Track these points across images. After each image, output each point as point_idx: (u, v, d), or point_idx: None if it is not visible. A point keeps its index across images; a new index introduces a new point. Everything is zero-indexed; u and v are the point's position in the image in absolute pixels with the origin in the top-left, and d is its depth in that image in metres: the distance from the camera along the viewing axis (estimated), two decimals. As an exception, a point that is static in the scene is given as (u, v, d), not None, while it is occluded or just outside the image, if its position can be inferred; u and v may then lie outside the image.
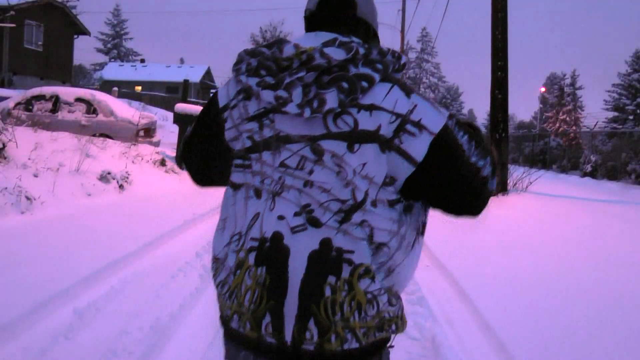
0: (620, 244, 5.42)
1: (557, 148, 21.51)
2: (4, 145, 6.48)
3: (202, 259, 4.77)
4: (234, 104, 1.13)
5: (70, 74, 29.48)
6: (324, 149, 1.05)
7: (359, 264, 1.05)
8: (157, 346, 2.96)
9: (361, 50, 1.07)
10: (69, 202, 6.20)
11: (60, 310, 3.31)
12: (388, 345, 1.17)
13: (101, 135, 10.49)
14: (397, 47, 30.95)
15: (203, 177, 1.30)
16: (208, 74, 57.02)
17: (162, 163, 9.63)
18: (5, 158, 6.39)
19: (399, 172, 1.07)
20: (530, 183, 8.69)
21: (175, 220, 6.01)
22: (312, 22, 1.20)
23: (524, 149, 23.44)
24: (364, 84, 1.05)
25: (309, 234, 1.05)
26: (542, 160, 21.14)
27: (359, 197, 1.05)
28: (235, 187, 1.15)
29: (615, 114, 41.73)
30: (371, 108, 1.05)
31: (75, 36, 28.74)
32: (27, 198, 5.58)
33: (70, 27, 27.56)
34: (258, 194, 1.10)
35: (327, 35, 1.11)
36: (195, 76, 52.32)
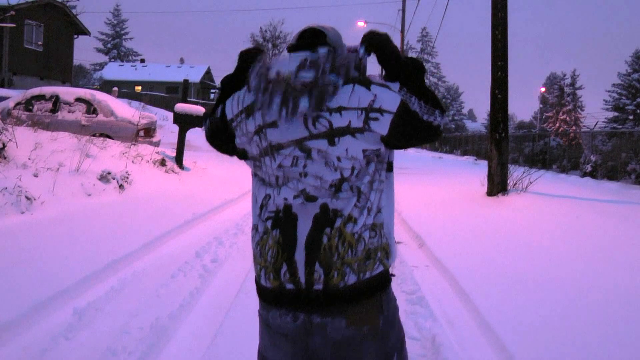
0: (621, 244, 5.41)
1: (557, 148, 21.49)
2: (4, 145, 6.48)
3: (202, 258, 4.77)
4: (238, 121, 1.46)
5: (70, 74, 29.46)
6: (310, 147, 1.37)
7: (351, 216, 1.37)
8: (156, 346, 2.96)
9: (327, 66, 1.36)
10: (69, 202, 6.19)
11: (60, 310, 3.31)
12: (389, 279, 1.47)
13: (101, 135, 10.49)
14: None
15: (219, 148, 1.62)
16: (208, 74, 56.99)
17: (162, 163, 9.62)
18: (5, 158, 6.39)
19: (372, 143, 1.38)
20: (530, 183, 8.66)
21: (175, 220, 6.01)
22: (293, 51, 1.50)
23: (524, 149, 23.41)
24: (330, 88, 1.34)
25: (311, 204, 1.39)
26: (542, 160, 21.12)
27: (346, 173, 1.38)
28: (255, 175, 1.51)
29: (615, 114, 41.72)
30: (340, 109, 1.35)
31: (75, 36, 28.72)
32: (27, 198, 5.58)
33: (70, 27, 27.55)
34: (267, 184, 1.47)
35: (300, 56, 1.41)
36: (195, 76, 52.30)
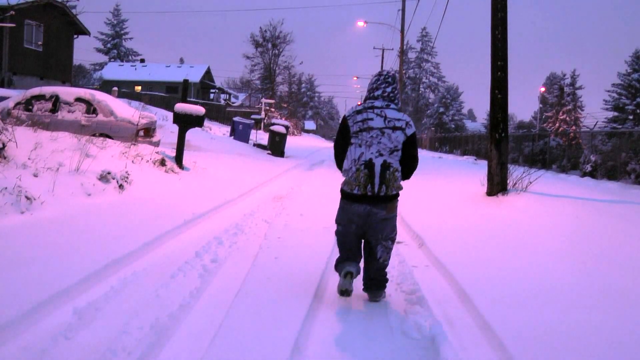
0: (621, 243, 5.41)
1: (556, 148, 21.48)
2: (4, 145, 6.48)
3: (202, 258, 4.77)
4: (352, 118, 3.83)
5: (70, 74, 29.44)
6: (384, 131, 3.72)
7: (396, 167, 3.76)
8: (156, 346, 2.96)
9: (393, 107, 3.87)
10: (69, 202, 6.19)
11: (60, 310, 3.31)
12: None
13: (101, 135, 10.47)
14: (396, 47, 30.94)
15: (339, 157, 3.99)
16: (208, 73, 56.96)
17: (162, 163, 9.62)
18: (5, 158, 6.39)
19: (401, 140, 3.77)
20: (530, 183, 8.65)
21: (175, 220, 6.01)
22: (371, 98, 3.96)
23: (523, 148, 23.43)
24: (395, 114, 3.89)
25: (380, 159, 3.72)
26: (541, 160, 21.13)
27: (395, 147, 3.75)
28: (352, 144, 3.80)
29: (615, 113, 41.72)
30: (399, 119, 3.78)
31: (75, 36, 28.70)
32: (27, 198, 5.57)
33: (70, 27, 27.54)
34: (360, 146, 3.76)
35: (384, 102, 3.85)
36: (195, 76, 52.29)
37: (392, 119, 3.72)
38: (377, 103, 3.78)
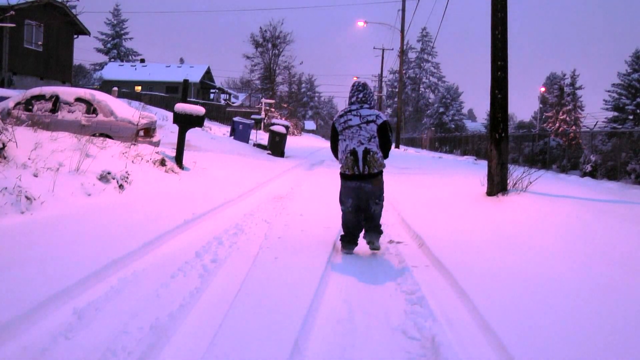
0: (621, 243, 5.41)
1: (556, 148, 21.49)
2: (4, 145, 6.48)
3: (202, 258, 4.77)
4: (337, 121, 5.38)
5: (70, 74, 29.44)
6: (361, 126, 5.21)
7: (375, 151, 5.21)
8: (156, 346, 2.96)
9: (366, 107, 5.37)
10: (69, 202, 6.19)
11: (60, 310, 3.31)
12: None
13: (101, 135, 10.47)
14: (397, 47, 30.92)
15: (334, 151, 5.55)
16: (208, 73, 56.97)
17: (162, 163, 9.62)
18: (5, 158, 6.39)
19: (375, 129, 5.23)
20: (530, 183, 8.64)
21: (175, 220, 6.01)
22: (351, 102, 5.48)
23: (523, 148, 23.44)
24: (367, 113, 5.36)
25: (361, 147, 5.19)
26: (542, 160, 21.14)
27: (371, 135, 5.21)
28: (340, 140, 5.34)
29: (615, 113, 41.73)
30: (370, 115, 5.26)
31: (75, 36, 28.71)
32: (27, 198, 5.57)
33: (70, 27, 27.53)
34: (345, 140, 5.27)
35: (358, 105, 5.35)
36: (195, 76, 52.30)
37: (366, 116, 5.21)
38: (353, 107, 5.29)
